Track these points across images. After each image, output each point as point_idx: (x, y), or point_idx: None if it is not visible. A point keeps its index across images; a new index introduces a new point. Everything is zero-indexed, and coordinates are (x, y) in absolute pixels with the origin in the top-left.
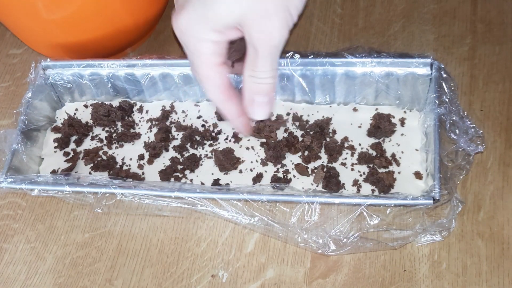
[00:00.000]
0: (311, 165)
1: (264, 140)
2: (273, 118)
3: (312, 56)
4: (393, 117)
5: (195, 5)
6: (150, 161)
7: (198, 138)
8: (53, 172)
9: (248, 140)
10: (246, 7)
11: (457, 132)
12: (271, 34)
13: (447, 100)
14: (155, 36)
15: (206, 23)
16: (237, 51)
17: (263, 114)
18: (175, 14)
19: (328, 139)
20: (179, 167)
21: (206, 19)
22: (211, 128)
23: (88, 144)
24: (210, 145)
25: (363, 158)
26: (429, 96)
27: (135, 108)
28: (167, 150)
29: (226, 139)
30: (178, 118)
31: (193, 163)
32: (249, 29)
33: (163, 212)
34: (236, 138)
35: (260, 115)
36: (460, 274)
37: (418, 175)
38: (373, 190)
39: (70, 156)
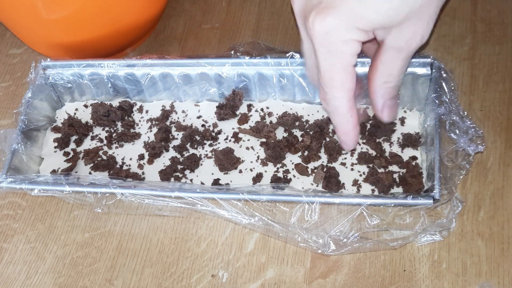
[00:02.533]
0: (311, 165)
1: (264, 140)
2: None
3: None
4: None
5: (343, 4)
6: (150, 161)
7: (198, 138)
8: (53, 172)
9: (248, 140)
10: (398, 5)
11: (457, 132)
12: (421, 34)
13: (447, 100)
14: (155, 36)
15: (355, 22)
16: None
17: (394, 115)
18: (316, 15)
19: (328, 139)
20: (179, 167)
21: (356, 18)
22: (211, 128)
23: (88, 144)
24: (210, 145)
25: (363, 158)
26: (429, 96)
27: (135, 108)
28: (167, 150)
29: (226, 139)
30: (178, 118)
31: (193, 163)
32: (397, 30)
33: (163, 212)
34: (236, 138)
35: (392, 116)
36: (460, 274)
37: (418, 175)
38: (373, 190)
39: (70, 156)
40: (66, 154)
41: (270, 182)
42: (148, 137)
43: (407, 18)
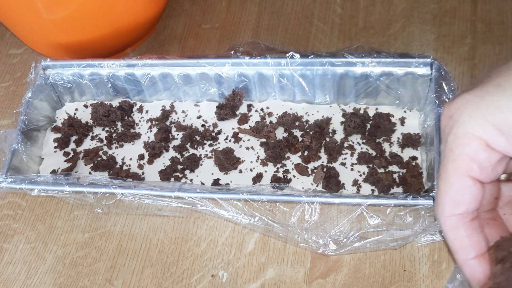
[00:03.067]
0: (311, 165)
1: (264, 140)
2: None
3: (312, 56)
4: (393, 116)
5: (486, 88)
6: (150, 161)
7: (198, 138)
8: (53, 172)
9: (248, 140)
10: None
11: None
12: None
13: (447, 100)
14: (155, 36)
15: (490, 113)
16: None
17: None
18: (452, 98)
19: (327, 139)
20: (179, 167)
21: (494, 107)
22: (211, 128)
23: (88, 144)
24: (210, 145)
25: (363, 158)
26: (429, 96)
27: (135, 108)
28: (167, 150)
29: (226, 139)
30: (178, 118)
31: (193, 163)
32: None
33: (163, 212)
34: (236, 138)
35: None
36: None
37: (418, 175)
38: (373, 190)
39: (70, 156)
40: (66, 154)
41: (270, 182)
42: (148, 137)
43: None
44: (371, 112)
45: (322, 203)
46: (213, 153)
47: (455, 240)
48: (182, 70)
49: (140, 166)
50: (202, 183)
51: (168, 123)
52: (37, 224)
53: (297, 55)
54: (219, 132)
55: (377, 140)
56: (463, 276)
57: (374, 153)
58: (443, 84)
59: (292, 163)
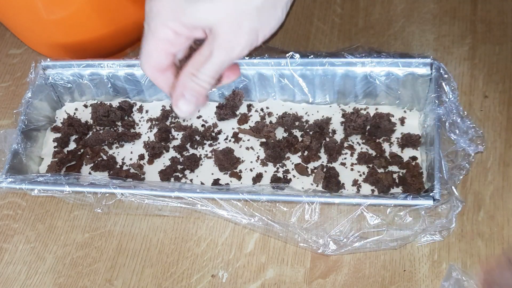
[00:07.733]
0: (311, 165)
1: (264, 140)
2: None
3: (312, 56)
4: (393, 116)
5: None
6: (150, 161)
7: (198, 138)
8: (56, 171)
9: (248, 140)
10: (222, 17)
11: (457, 132)
12: (233, 49)
13: (447, 100)
14: None
15: (178, 15)
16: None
17: (186, 111)
18: None
19: (327, 139)
20: (179, 167)
21: (181, 13)
22: (211, 128)
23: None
24: (210, 145)
25: (363, 158)
26: (429, 96)
27: (135, 108)
28: (167, 150)
29: (226, 139)
30: (178, 118)
31: (193, 163)
32: (216, 36)
33: (163, 212)
34: (236, 138)
35: (183, 111)
36: None
37: (418, 175)
38: (372, 190)
39: (79, 153)
40: (69, 152)
41: (270, 182)
42: (148, 137)
43: (224, 31)
44: (371, 112)
45: (322, 203)
46: (213, 153)
47: (161, 84)
48: None
49: (140, 166)
50: (202, 183)
51: (168, 123)
52: (37, 224)
53: (297, 55)
54: (219, 132)
55: (377, 140)
56: None
57: (374, 153)
58: (443, 84)
59: (292, 163)
